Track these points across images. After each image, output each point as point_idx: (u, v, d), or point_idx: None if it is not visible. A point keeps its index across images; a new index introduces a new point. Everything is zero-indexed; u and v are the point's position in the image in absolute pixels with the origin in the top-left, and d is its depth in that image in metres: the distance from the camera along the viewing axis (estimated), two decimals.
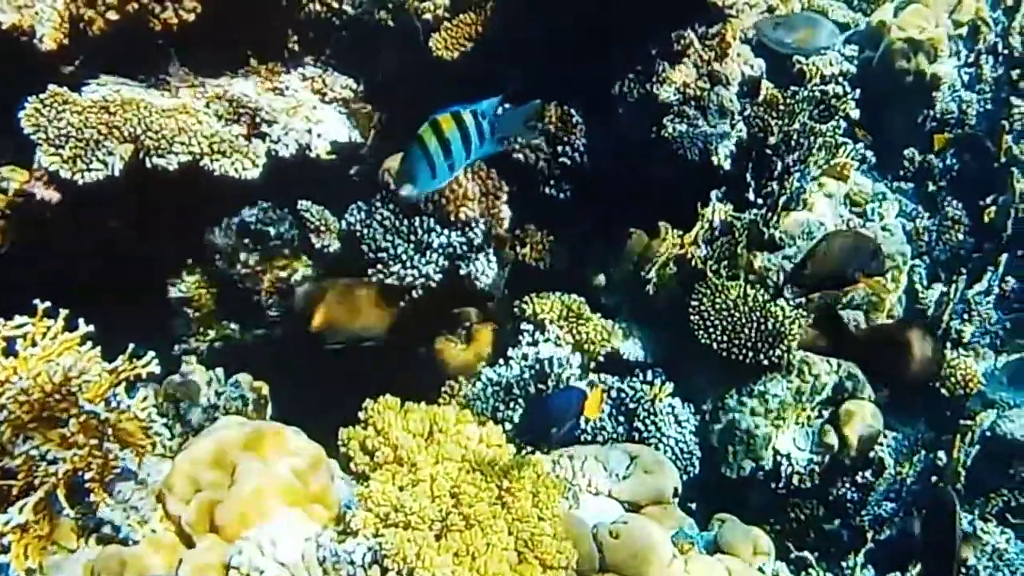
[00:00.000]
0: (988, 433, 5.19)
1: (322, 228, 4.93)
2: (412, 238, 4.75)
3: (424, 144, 2.72)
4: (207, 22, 4.39)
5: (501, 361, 4.82)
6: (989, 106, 6.07)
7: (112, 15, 4.15)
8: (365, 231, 4.78)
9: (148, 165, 4.14)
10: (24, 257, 4.34)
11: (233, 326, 5.06)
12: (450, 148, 2.73)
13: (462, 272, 4.82)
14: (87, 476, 2.96)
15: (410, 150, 2.76)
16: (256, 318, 5.04)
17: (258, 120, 4.48)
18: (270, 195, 4.83)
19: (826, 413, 4.84)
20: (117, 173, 4.09)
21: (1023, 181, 5.52)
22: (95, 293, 4.13)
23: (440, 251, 4.76)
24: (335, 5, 4.75)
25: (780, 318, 4.61)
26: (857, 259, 3.48)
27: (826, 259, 3.57)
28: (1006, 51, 6.13)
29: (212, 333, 5.01)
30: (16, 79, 4.14)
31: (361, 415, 3.63)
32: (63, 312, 3.13)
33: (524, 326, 4.91)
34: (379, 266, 4.73)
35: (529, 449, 3.84)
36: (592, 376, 4.81)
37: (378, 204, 4.82)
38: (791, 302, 4.66)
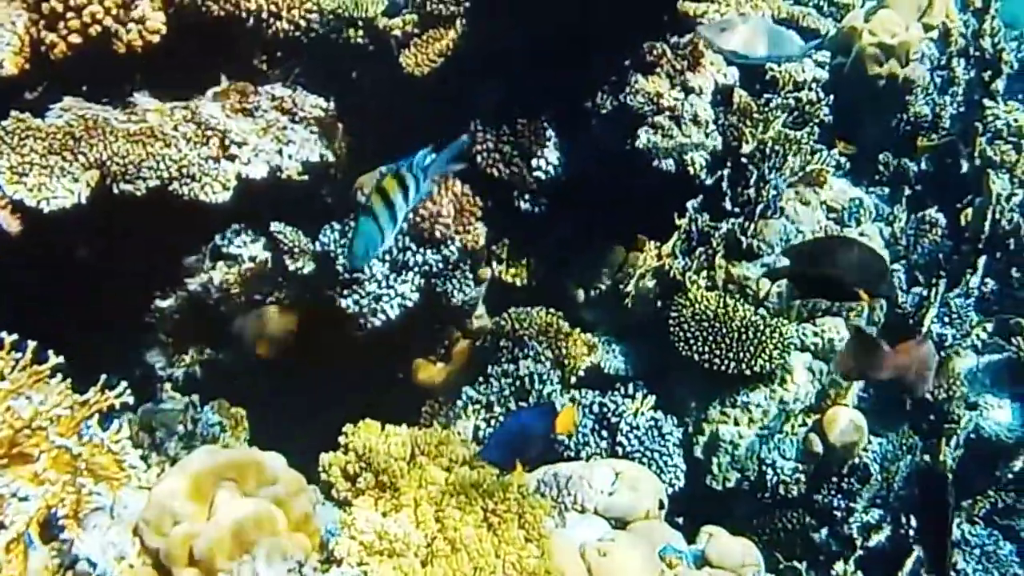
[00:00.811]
0: (972, 435, 5.17)
1: (296, 249, 4.88)
2: (387, 257, 4.69)
3: (374, 213, 2.76)
4: (173, 43, 4.33)
5: (481, 379, 4.78)
6: (962, 109, 6.06)
7: (74, 38, 4.08)
8: (339, 251, 4.73)
9: (115, 191, 4.07)
10: None
11: (208, 351, 4.99)
12: (395, 208, 2.79)
13: (439, 290, 4.78)
14: (60, 512, 2.88)
15: (361, 224, 2.80)
16: (232, 342, 4.98)
17: (227, 142, 4.41)
18: (242, 217, 4.77)
19: (810, 421, 4.81)
20: (83, 200, 4.01)
21: (998, 183, 5.50)
22: (65, 323, 4.07)
23: (416, 270, 4.71)
24: (303, 24, 4.68)
25: (761, 327, 4.57)
26: (863, 275, 3.39)
27: (832, 266, 3.48)
28: (977, 53, 6.12)
29: (187, 358, 4.94)
30: None
31: (342, 439, 3.57)
32: (31, 344, 3.06)
33: (503, 343, 4.87)
34: (354, 285, 4.67)
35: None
36: (573, 392, 4.77)
37: (351, 224, 4.77)
38: (773, 303, 4.65)
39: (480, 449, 3.24)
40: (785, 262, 4.42)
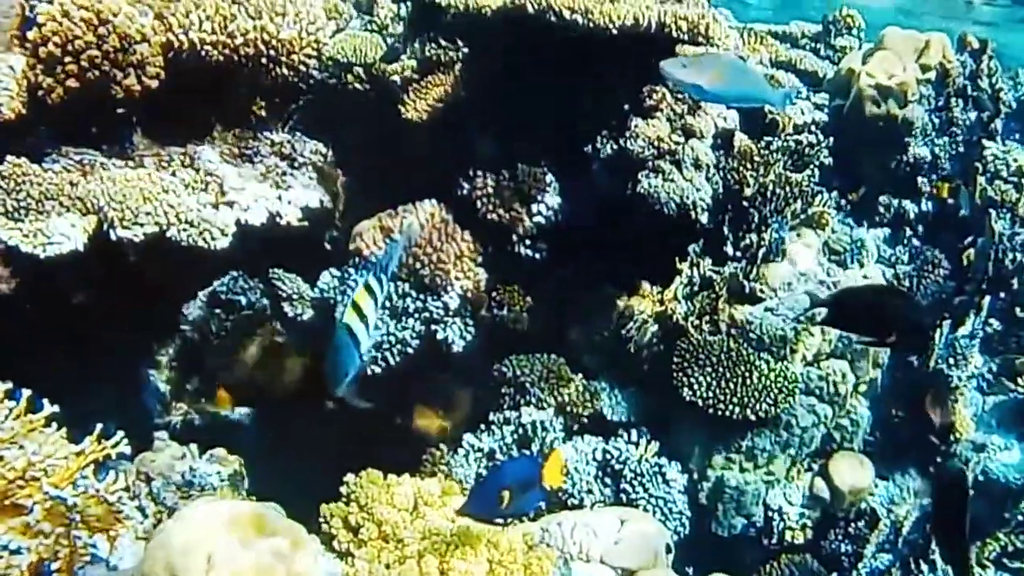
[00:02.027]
0: (980, 477, 5.12)
1: (294, 296, 4.83)
2: (387, 304, 4.65)
3: (352, 332, 2.89)
4: (171, 88, 4.30)
5: (482, 426, 4.73)
6: (961, 149, 6.04)
7: (72, 83, 4.05)
8: (339, 298, 4.69)
9: (113, 237, 4.03)
10: None
11: (206, 398, 4.94)
12: (367, 319, 2.92)
13: (439, 336, 4.73)
14: (54, 566, 2.83)
15: (339, 346, 2.90)
16: (230, 388, 4.93)
17: (226, 188, 4.38)
18: (241, 263, 4.73)
19: (816, 466, 4.77)
20: (80, 247, 3.97)
21: (1000, 223, 5.48)
22: (61, 369, 4.03)
23: (416, 316, 4.67)
24: (302, 69, 4.66)
25: (765, 372, 4.53)
26: (899, 323, 3.34)
27: (871, 308, 3.42)
28: (975, 93, 6.12)
29: (184, 406, 4.88)
30: None
31: (343, 490, 3.51)
32: (26, 392, 3.02)
33: (504, 389, 4.83)
34: None
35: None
36: (576, 439, 4.72)
37: (351, 271, 4.74)
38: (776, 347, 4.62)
39: (464, 503, 3.16)
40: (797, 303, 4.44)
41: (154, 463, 4.35)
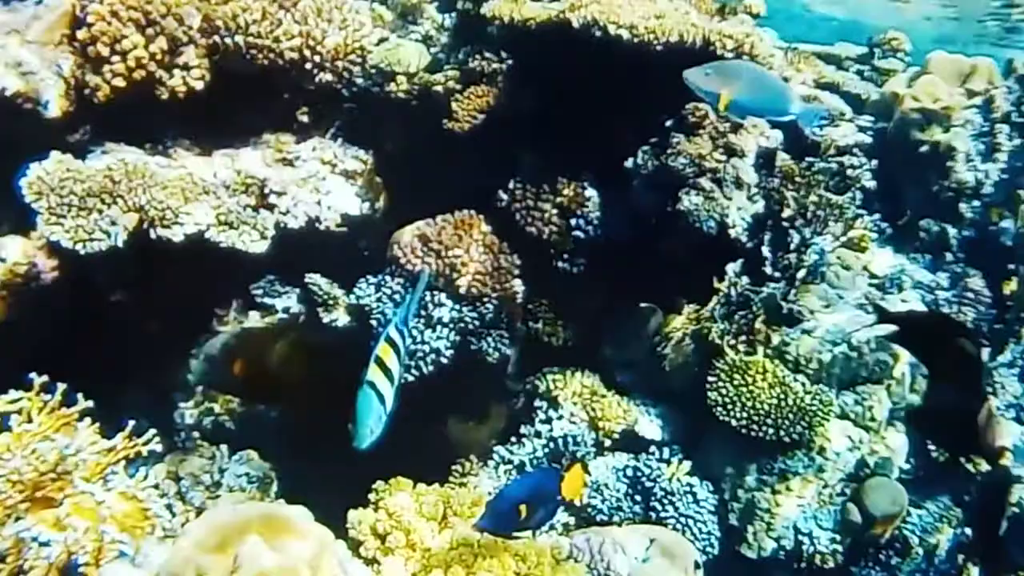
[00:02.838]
0: (1016, 509, 5.04)
1: (330, 302, 4.84)
2: (423, 313, 4.65)
3: (376, 388, 2.89)
4: (216, 90, 4.32)
5: (514, 439, 4.72)
6: (1006, 176, 5.98)
7: (119, 82, 4.08)
8: (375, 306, 4.69)
9: (153, 236, 4.04)
10: (23, 329, 4.23)
11: (238, 398, 4.94)
12: (391, 372, 2.92)
13: (473, 347, 4.72)
14: (81, 560, 2.83)
15: (364, 404, 2.91)
16: (261, 390, 4.93)
17: (267, 191, 4.39)
18: (278, 267, 4.74)
19: (848, 490, 4.72)
20: (121, 244, 3.99)
21: None
22: (96, 365, 4.03)
23: (451, 326, 4.66)
24: (345, 76, 4.67)
25: (800, 394, 4.50)
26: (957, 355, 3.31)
27: (936, 334, 3.39)
28: (1021, 119, 6.06)
29: (217, 407, 4.89)
30: (19, 145, 4.05)
31: (372, 496, 3.50)
32: (61, 387, 3.03)
33: (538, 403, 4.83)
34: None
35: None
36: (607, 455, 4.70)
37: (388, 278, 4.74)
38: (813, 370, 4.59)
39: (479, 517, 3.14)
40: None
41: (184, 463, 4.38)
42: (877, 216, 5.37)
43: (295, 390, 4.69)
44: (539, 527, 3.45)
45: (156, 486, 3.13)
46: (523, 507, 3.08)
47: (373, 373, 2.87)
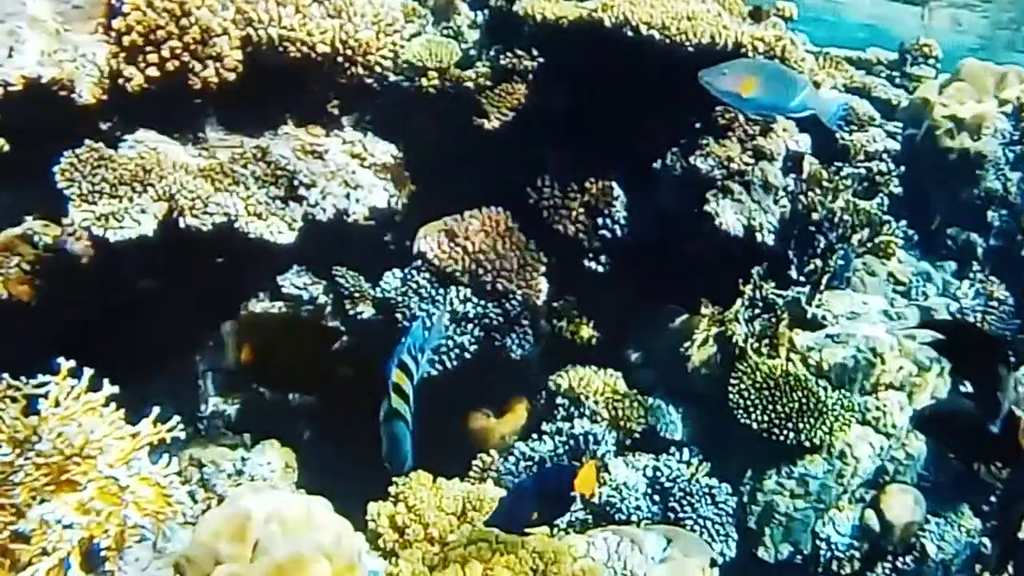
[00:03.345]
0: None
1: (356, 294, 4.86)
2: (447, 308, 4.66)
3: (400, 414, 2.93)
4: (247, 81, 4.34)
5: (535, 435, 4.73)
6: None
7: (152, 72, 4.10)
8: (400, 299, 4.71)
9: (182, 225, 4.07)
10: (52, 312, 4.27)
11: (263, 388, 4.97)
12: (409, 397, 2.94)
13: (497, 344, 4.73)
14: (103, 544, 2.86)
15: (392, 435, 2.95)
16: (287, 379, 4.95)
17: (296, 183, 4.41)
18: (305, 258, 4.76)
19: (867, 497, 4.71)
20: (150, 232, 4.01)
21: None
22: (122, 351, 4.06)
23: (476, 322, 4.67)
24: (377, 70, 4.68)
25: (822, 399, 4.50)
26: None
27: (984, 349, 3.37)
28: None
29: (241, 394, 4.92)
30: (53, 133, 4.09)
31: (392, 489, 3.53)
32: (87, 372, 3.06)
33: (559, 400, 4.84)
34: None
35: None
36: (627, 454, 4.71)
37: (414, 272, 4.75)
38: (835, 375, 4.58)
39: (492, 513, 3.15)
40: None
41: (207, 450, 4.40)
42: (904, 222, 5.35)
43: (302, 375, 4.73)
44: (551, 523, 3.46)
45: (179, 473, 3.16)
46: (534, 505, 3.11)
47: (396, 402, 2.91)
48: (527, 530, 3.13)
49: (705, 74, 3.57)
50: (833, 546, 4.61)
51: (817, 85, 5.54)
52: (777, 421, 4.50)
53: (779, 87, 3.63)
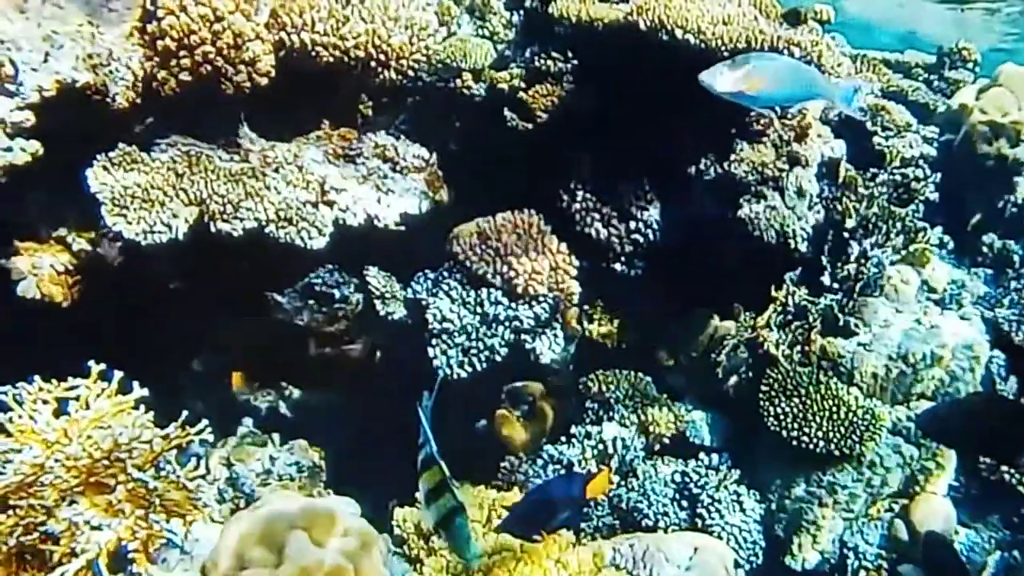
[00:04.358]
0: None
1: (387, 295, 4.87)
2: (478, 310, 4.67)
3: (462, 507, 2.94)
4: (279, 85, 4.35)
5: (563, 438, 4.73)
6: None
7: (185, 76, 4.12)
8: (431, 300, 4.71)
9: (212, 230, 4.09)
10: (86, 312, 4.31)
11: (292, 387, 4.99)
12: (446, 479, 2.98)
13: (527, 346, 4.72)
14: (131, 546, 2.89)
15: (454, 533, 2.95)
16: (316, 379, 4.97)
17: (327, 187, 4.41)
18: (336, 257, 4.77)
19: (896, 506, 4.68)
20: (181, 237, 4.04)
21: None
22: (154, 351, 4.10)
23: (506, 324, 4.67)
24: (410, 74, 4.67)
25: (853, 408, 4.47)
26: None
27: None
28: None
29: (271, 393, 4.94)
30: (87, 136, 4.11)
31: (418, 495, 3.53)
32: (118, 374, 3.08)
33: (588, 404, 4.84)
34: (443, 337, 4.64)
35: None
36: (656, 459, 4.70)
37: (445, 274, 4.76)
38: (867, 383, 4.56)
39: (503, 520, 3.15)
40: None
41: (236, 449, 4.43)
42: (939, 229, 5.30)
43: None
44: (559, 528, 3.45)
45: (205, 475, 3.18)
46: (545, 511, 3.11)
47: (449, 499, 2.93)
48: (537, 536, 3.14)
49: (705, 76, 3.51)
50: (861, 555, 4.57)
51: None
52: (807, 429, 4.47)
53: (784, 79, 3.57)
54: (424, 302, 4.74)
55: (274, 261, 4.42)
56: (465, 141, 5.21)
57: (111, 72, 4.11)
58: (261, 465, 4.41)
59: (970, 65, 6.88)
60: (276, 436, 4.57)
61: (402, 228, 4.64)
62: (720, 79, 3.50)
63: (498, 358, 4.69)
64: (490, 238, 4.74)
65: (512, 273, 4.68)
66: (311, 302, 4.82)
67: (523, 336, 4.73)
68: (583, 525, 4.48)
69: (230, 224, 4.09)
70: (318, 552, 2.99)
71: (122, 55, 4.18)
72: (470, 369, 4.66)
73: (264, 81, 4.25)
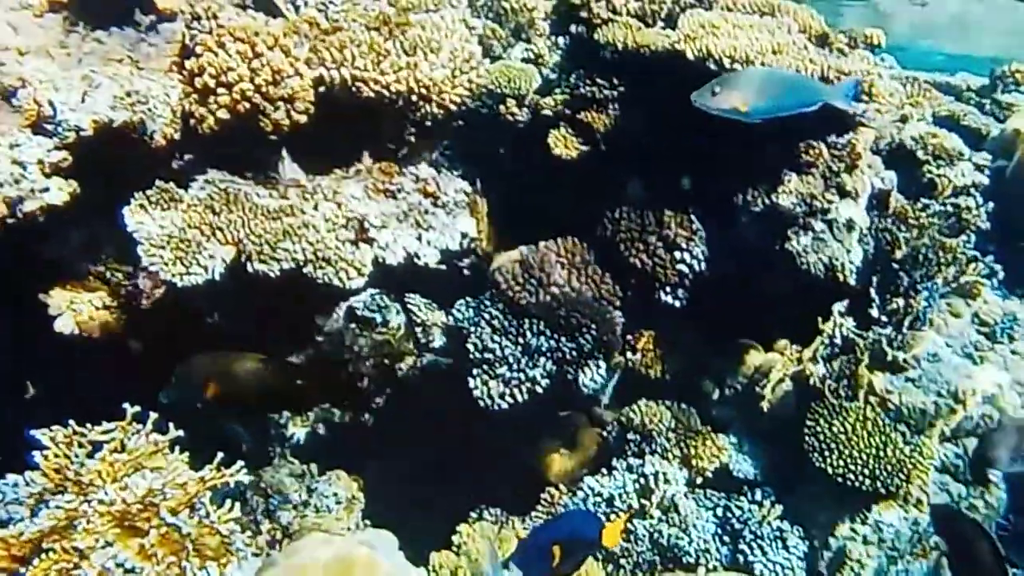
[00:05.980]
0: None
1: (428, 322, 4.84)
2: (520, 340, 4.63)
3: None
4: (320, 120, 4.32)
5: (604, 471, 4.68)
6: None
7: (223, 114, 4.10)
8: (472, 329, 4.68)
9: (250, 270, 4.07)
10: (121, 348, 4.32)
11: (333, 411, 4.97)
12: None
13: (569, 377, 4.68)
14: None
15: None
16: (355, 406, 4.96)
17: (366, 225, 4.37)
18: (379, 282, 4.75)
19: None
20: (218, 277, 4.03)
21: None
22: None
23: (548, 355, 4.63)
24: (452, 108, 4.61)
25: (900, 445, 4.39)
26: None
27: None
28: None
29: (310, 419, 4.92)
30: (125, 173, 4.12)
31: (455, 539, 3.51)
32: (152, 416, 3.08)
33: (631, 436, 4.78)
34: (484, 367, 4.61)
35: None
36: (697, 493, 4.64)
37: (487, 303, 4.72)
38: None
39: (510, 555, 3.08)
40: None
41: (274, 479, 4.41)
42: (991, 258, 5.20)
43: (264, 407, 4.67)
44: (571, 572, 3.38)
45: (240, 518, 3.16)
46: (556, 549, 3.05)
47: None
48: None
49: (697, 97, 3.46)
50: None
51: (904, 120, 5.41)
52: (852, 466, 4.40)
53: (778, 90, 3.54)
54: (465, 331, 4.71)
55: (312, 300, 4.41)
56: (509, 167, 5.18)
57: (149, 110, 4.11)
58: (299, 496, 4.39)
59: None
60: (314, 466, 4.55)
61: (443, 267, 4.60)
62: (712, 99, 3.47)
63: (539, 389, 4.65)
64: (532, 267, 4.70)
65: (555, 303, 4.63)
66: (352, 326, 4.80)
67: (566, 367, 4.68)
68: (622, 561, 4.44)
69: (267, 265, 4.07)
70: None
71: (160, 92, 4.18)
72: (511, 400, 4.62)
73: (303, 119, 4.22)
